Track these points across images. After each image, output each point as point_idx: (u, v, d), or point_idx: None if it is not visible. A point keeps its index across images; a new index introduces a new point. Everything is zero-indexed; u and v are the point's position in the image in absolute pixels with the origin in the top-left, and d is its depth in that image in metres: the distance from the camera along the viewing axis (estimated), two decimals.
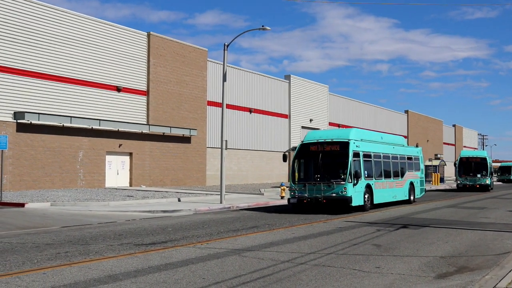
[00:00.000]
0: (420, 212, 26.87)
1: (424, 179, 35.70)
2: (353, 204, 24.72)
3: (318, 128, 67.38)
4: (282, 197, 34.43)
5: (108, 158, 42.02)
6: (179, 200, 31.64)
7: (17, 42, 35.79)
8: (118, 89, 42.56)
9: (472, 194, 45.48)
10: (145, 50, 45.23)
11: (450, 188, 60.07)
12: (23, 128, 35.90)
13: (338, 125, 72.04)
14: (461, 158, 54.55)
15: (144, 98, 45.09)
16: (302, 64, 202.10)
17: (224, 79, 31.41)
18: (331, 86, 71.17)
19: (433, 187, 61.08)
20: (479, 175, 52.73)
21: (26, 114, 35.40)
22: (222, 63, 32.03)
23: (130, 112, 43.75)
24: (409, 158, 33.20)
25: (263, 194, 38.84)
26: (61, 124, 37.81)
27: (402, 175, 31.51)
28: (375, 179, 27.68)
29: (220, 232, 17.78)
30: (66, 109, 38.68)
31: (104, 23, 42.14)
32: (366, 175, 26.47)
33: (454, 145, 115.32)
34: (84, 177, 39.85)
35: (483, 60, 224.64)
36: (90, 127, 39.80)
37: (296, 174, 26.38)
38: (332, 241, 15.62)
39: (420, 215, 24.87)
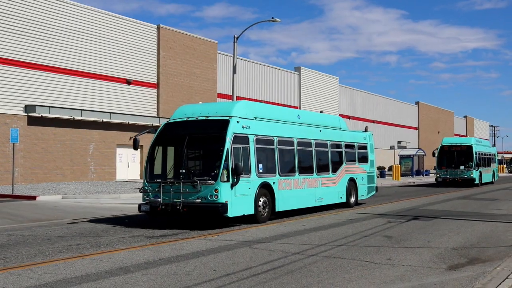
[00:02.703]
0: (432, 203, 26.79)
1: (374, 173, 27.18)
2: (231, 214, 16.36)
3: None
4: None
5: (119, 151, 42.15)
6: None
7: (28, 35, 35.89)
8: (128, 82, 42.62)
9: (448, 191, 38.51)
10: (155, 42, 45.25)
11: (426, 183, 52.18)
12: (34, 121, 36.04)
13: (349, 117, 71.87)
14: (442, 147, 45.87)
15: (154, 90, 45.14)
16: (311, 56, 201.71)
17: (234, 71, 31.39)
18: (340, 78, 71.02)
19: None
20: (462, 167, 44.03)
21: (37, 107, 35.54)
22: (232, 55, 32.03)
23: (140, 105, 43.83)
24: (349, 146, 24.71)
25: None
26: (72, 117, 37.93)
27: (335, 169, 23.07)
28: (281, 175, 19.06)
29: (231, 224, 17.78)
30: (76, 102, 38.80)
31: (114, 16, 42.18)
32: (261, 170, 17.96)
33: (466, 136, 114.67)
34: (95, 169, 40.00)
35: (492, 51, 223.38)
36: (101, 120, 39.91)
37: (160, 167, 18.00)
38: (343, 233, 15.59)
39: (431, 207, 24.79)
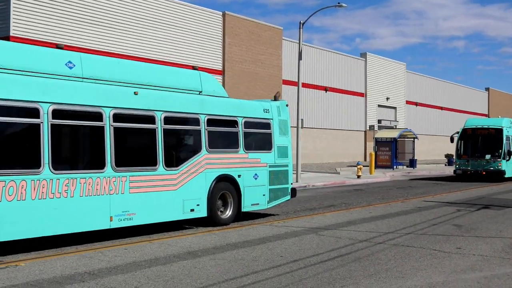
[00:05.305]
0: (502, 192, 26.03)
1: (289, 168, 16.90)
2: None
3: (395, 107, 66.13)
4: (358, 176, 34.02)
5: None
6: None
7: (96, 24, 36.64)
8: (195, 68, 42.84)
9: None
10: (220, 29, 45.47)
11: (443, 175, 40.70)
12: None
13: (416, 104, 70.57)
14: (463, 130, 34.72)
15: (220, 77, 45.41)
16: (375, 42, 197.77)
17: (300, 58, 31.26)
18: (406, 64, 69.40)
19: None
20: (488, 156, 33.44)
21: None
22: (297, 41, 31.92)
23: None
24: (222, 122, 15.02)
25: (339, 173, 38.55)
26: None
27: (179, 162, 13.58)
28: None
29: (297, 210, 17.79)
30: None
31: (180, 4, 42.59)
32: None
33: None
34: None
35: None
36: None
37: None
38: (411, 221, 15.34)
39: (502, 196, 24.08)
